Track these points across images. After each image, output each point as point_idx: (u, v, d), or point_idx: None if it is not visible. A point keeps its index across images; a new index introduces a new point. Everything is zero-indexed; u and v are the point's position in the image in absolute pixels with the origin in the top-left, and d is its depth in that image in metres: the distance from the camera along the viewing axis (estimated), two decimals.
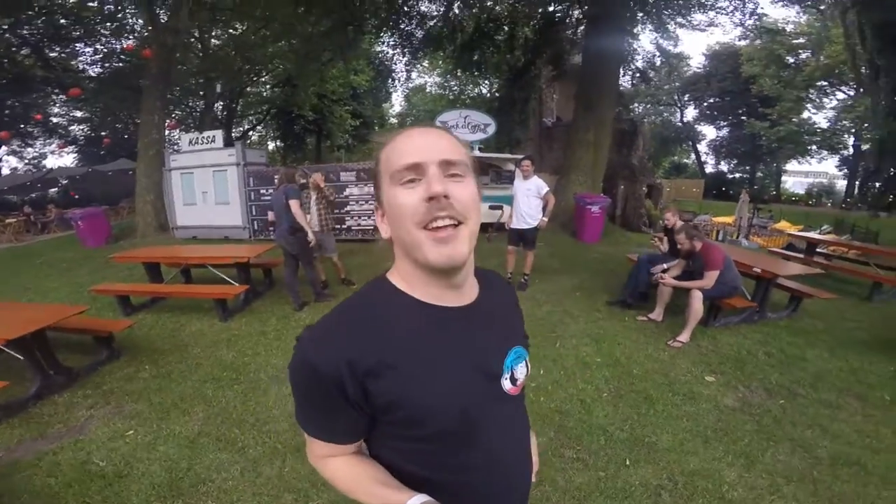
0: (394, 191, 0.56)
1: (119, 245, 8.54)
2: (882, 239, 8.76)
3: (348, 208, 7.77)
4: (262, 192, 8.13)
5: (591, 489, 1.98)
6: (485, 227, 6.00)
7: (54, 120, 20.15)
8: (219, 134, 8.63)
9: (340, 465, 0.64)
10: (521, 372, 0.71)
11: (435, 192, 0.52)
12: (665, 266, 4.08)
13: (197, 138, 8.62)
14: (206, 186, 8.48)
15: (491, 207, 7.23)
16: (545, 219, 4.77)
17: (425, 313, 0.61)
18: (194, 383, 3.04)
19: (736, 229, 9.57)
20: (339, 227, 7.78)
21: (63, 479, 2.03)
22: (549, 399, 2.80)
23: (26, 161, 22.63)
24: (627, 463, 2.14)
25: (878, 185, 18.62)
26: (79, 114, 20.14)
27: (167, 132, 11.90)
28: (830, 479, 2.06)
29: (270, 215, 4.40)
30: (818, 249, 5.80)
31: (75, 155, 22.82)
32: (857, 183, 22.75)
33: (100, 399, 2.75)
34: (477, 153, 8.53)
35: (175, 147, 10.79)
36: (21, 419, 2.54)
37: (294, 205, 4.14)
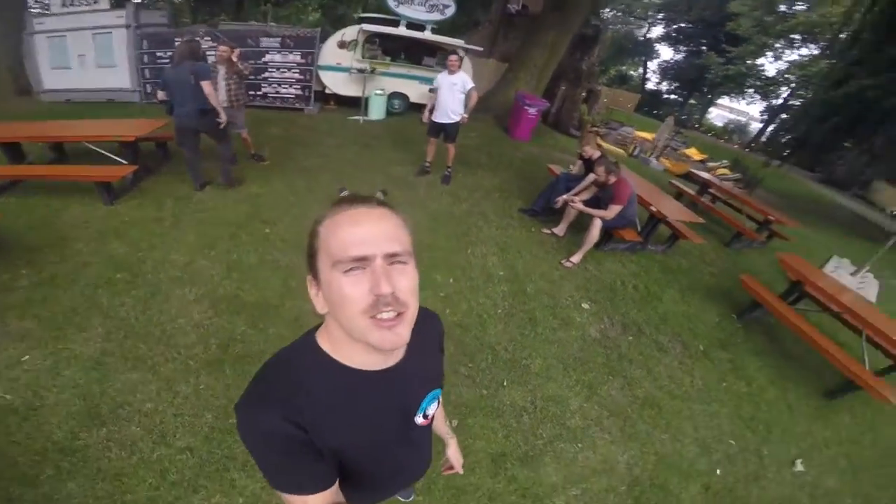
0: (336, 278, 0.58)
1: None
2: (764, 185, 10.01)
3: (266, 75, 7.46)
4: (158, 54, 7.54)
5: (473, 406, 2.52)
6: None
7: None
8: None
9: None
10: (432, 409, 0.87)
11: (383, 292, 0.56)
12: (577, 189, 4.45)
13: None
14: (83, 49, 7.55)
15: (431, 90, 6.89)
16: (465, 115, 4.90)
17: (348, 380, 0.68)
18: (84, 289, 2.90)
19: (651, 148, 10.21)
20: (253, 93, 7.25)
21: None
22: (454, 312, 3.21)
23: None
24: (505, 384, 2.71)
25: (786, 138, 20.67)
26: None
27: None
28: (636, 416, 2.75)
29: (160, 94, 3.82)
30: (710, 189, 6.58)
31: None
32: (768, 131, 25.24)
33: None
34: (429, 35, 7.73)
35: (42, 7, 8.59)
36: None
37: (207, 86, 3.74)
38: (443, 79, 4.82)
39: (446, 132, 5.03)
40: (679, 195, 6.22)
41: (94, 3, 7.51)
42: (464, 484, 2.13)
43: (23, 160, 4.25)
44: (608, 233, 4.22)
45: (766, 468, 2.67)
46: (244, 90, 4.86)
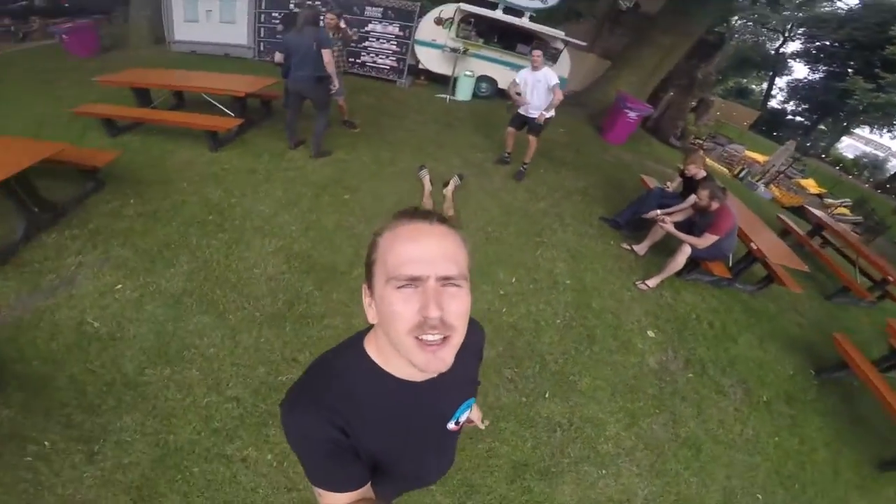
0: (389, 293, 0.59)
1: (109, 56, 7.78)
2: (890, 234, 8.40)
3: (366, 44, 7.66)
4: (274, 15, 7.89)
5: (510, 411, 2.46)
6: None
7: None
8: None
9: None
10: (464, 417, 0.90)
11: (431, 316, 0.56)
12: (673, 210, 4.06)
13: None
14: (210, 5, 8.12)
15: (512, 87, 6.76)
16: (545, 113, 4.63)
17: (391, 389, 0.71)
18: (179, 226, 3.23)
19: (761, 172, 8.95)
20: (353, 60, 7.53)
21: (63, 341, 2.33)
22: (510, 313, 3.12)
23: None
24: (547, 396, 2.59)
25: None
26: None
27: None
28: (671, 454, 2.52)
29: (278, 56, 4.05)
30: (824, 231, 5.54)
31: None
32: None
33: (87, 242, 2.93)
34: (526, 22, 7.39)
35: None
36: (13, 267, 2.70)
37: (328, 55, 3.92)
38: (527, 75, 4.68)
39: (531, 126, 4.84)
40: (785, 233, 5.43)
41: None
42: (479, 484, 2.12)
43: (149, 104, 4.80)
44: (694, 262, 3.79)
45: None
46: (346, 57, 5.04)
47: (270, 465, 1.98)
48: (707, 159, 8.49)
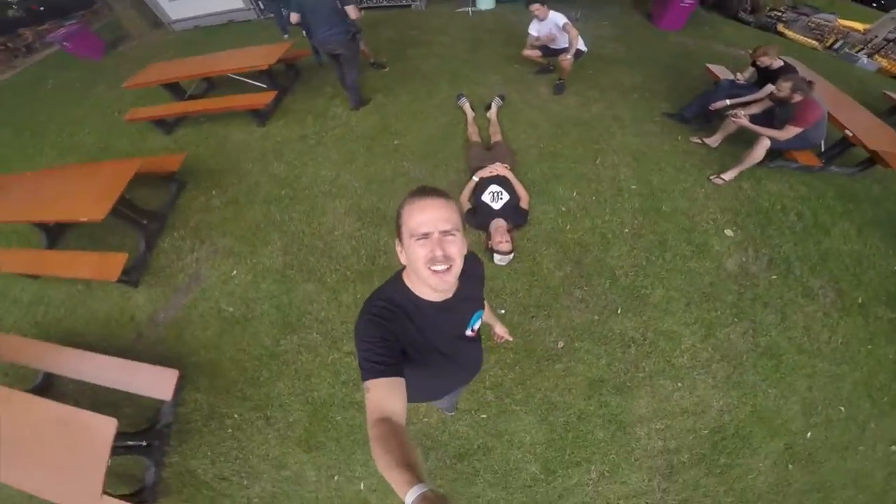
0: (412, 244, 1.00)
1: (119, 53, 7.80)
2: None
3: None
4: None
5: (583, 330, 2.74)
6: None
7: None
8: None
9: (376, 434, 0.87)
10: (477, 324, 1.31)
11: (436, 255, 0.98)
12: (745, 99, 3.71)
13: None
14: None
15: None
16: (569, 57, 4.34)
17: (422, 306, 1.12)
18: (261, 207, 3.65)
19: (863, 42, 7.29)
20: None
21: (213, 330, 2.91)
22: (574, 229, 3.26)
23: None
24: (619, 312, 2.81)
25: None
26: None
27: None
28: (749, 365, 2.62)
29: (294, 17, 3.99)
30: None
31: None
32: None
33: (195, 239, 3.45)
34: None
35: None
36: (152, 276, 3.26)
37: (353, 11, 3.86)
38: (537, 28, 4.53)
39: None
40: (894, 110, 4.69)
41: None
42: (558, 401, 2.49)
43: (184, 95, 5.07)
44: (777, 151, 3.54)
45: (862, 441, 2.47)
46: None
47: None
48: (787, 31, 7.24)
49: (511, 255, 2.94)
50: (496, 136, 3.93)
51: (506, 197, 3.12)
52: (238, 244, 3.38)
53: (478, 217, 3.14)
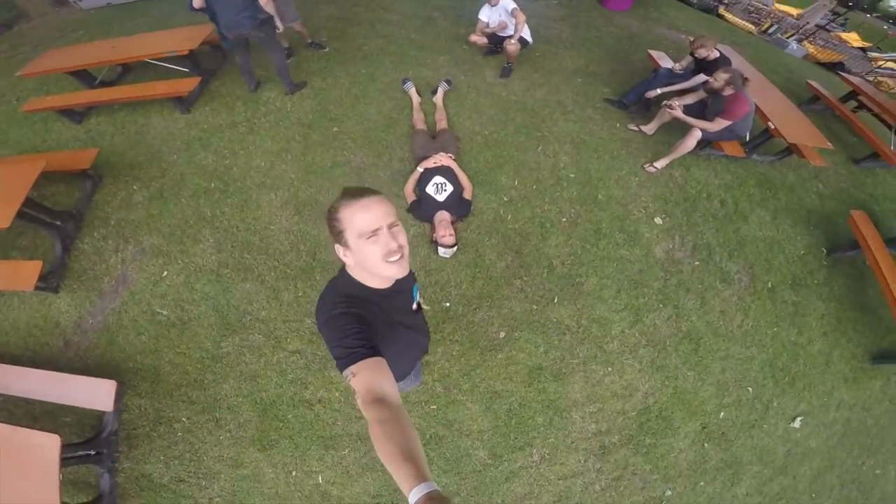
0: (363, 244, 1.08)
1: (14, 34, 6.87)
2: None
3: None
4: None
5: (522, 320, 2.98)
6: None
7: None
8: None
9: (376, 417, 0.88)
10: (418, 296, 1.50)
11: (393, 249, 1.09)
12: (679, 87, 4.04)
13: None
14: None
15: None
16: (514, 42, 4.48)
17: (376, 295, 1.21)
18: (188, 201, 3.55)
19: (795, 28, 8.02)
20: None
21: (148, 334, 2.88)
22: (515, 218, 3.47)
23: None
24: (556, 301, 3.07)
25: None
26: None
27: None
28: (672, 350, 2.99)
29: (197, 2, 3.72)
30: (859, 97, 5.13)
31: None
32: None
33: (117, 238, 3.31)
34: None
35: None
36: (74, 280, 3.10)
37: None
38: (488, 14, 4.63)
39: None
40: (815, 99, 5.24)
41: None
42: (501, 389, 2.74)
43: (94, 82, 4.65)
44: (706, 141, 3.89)
45: (766, 419, 2.94)
46: None
47: (339, 401, 2.67)
48: (727, 14, 7.72)
49: (455, 248, 3.11)
50: (442, 124, 4.02)
51: (450, 188, 3.26)
52: (166, 243, 3.30)
53: (422, 209, 3.26)
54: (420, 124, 4.01)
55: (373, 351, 1.02)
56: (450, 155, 3.53)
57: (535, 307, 3.06)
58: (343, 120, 4.21)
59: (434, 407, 2.70)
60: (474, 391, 2.74)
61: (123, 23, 6.25)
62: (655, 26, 6.61)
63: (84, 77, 4.62)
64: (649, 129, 4.19)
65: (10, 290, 2.98)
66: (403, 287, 1.34)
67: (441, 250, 3.10)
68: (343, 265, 1.24)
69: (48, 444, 2.08)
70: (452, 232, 3.07)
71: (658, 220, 3.57)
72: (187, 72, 4.53)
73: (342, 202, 1.09)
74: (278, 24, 3.98)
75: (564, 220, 3.50)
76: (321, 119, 4.22)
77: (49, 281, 3.04)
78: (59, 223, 3.26)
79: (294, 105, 4.39)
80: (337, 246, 1.14)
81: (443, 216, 3.15)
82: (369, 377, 0.96)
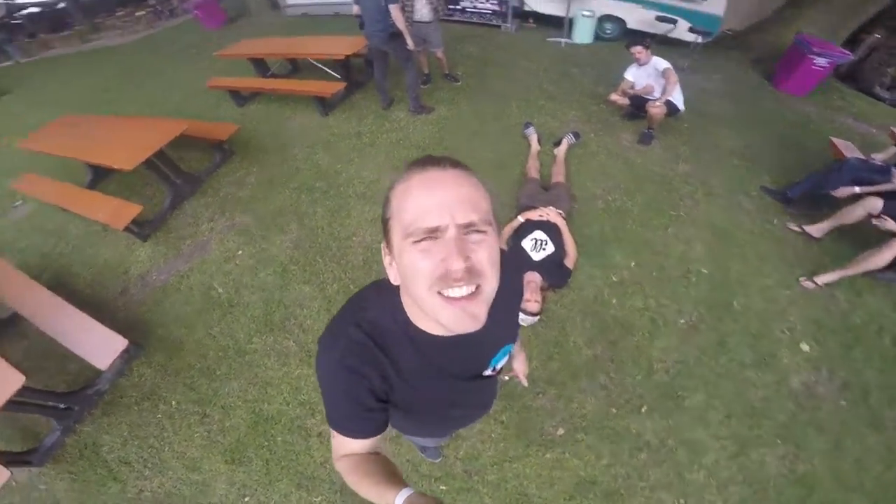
0: (407, 250, 0.59)
1: (234, 26, 9.20)
2: None
3: None
4: None
5: (592, 422, 2.36)
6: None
7: None
8: None
9: (352, 464, 0.77)
10: (501, 363, 0.95)
11: (455, 269, 0.56)
12: (882, 188, 3.15)
13: None
14: None
15: (659, 19, 6.13)
16: (659, 105, 4.05)
17: (423, 343, 0.74)
18: (292, 193, 3.70)
19: None
20: (452, 6, 7.45)
21: (195, 306, 2.93)
22: (621, 305, 2.88)
23: None
24: (643, 410, 2.40)
25: None
26: None
27: None
28: (774, 493, 2.18)
29: (355, 9, 4.15)
30: None
31: None
32: None
33: (217, 209, 3.55)
34: None
35: None
36: (164, 234, 3.41)
37: (395, 10, 3.91)
38: (635, 73, 4.33)
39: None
40: None
41: None
42: (534, 494, 2.16)
43: (267, 72, 5.47)
44: None
45: None
46: (444, 3, 4.92)
47: None
48: None
49: (537, 318, 2.64)
50: (558, 177, 3.63)
51: (550, 249, 2.82)
52: (255, 224, 3.42)
53: None
54: (533, 172, 3.69)
55: (370, 433, 0.78)
56: (559, 212, 3.08)
57: (613, 411, 2.42)
58: (456, 151, 4.11)
59: (444, 488, 2.19)
60: (500, 487, 2.17)
61: (311, 30, 7.37)
62: (838, 115, 5.58)
63: (260, 66, 5.45)
64: (817, 230, 3.31)
65: (111, 225, 3.20)
66: (479, 340, 0.76)
67: (520, 317, 2.66)
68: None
69: (9, 380, 2.03)
70: (539, 299, 2.61)
71: (804, 347, 2.72)
72: (338, 78, 4.98)
73: (404, 173, 0.64)
74: (409, 41, 4.14)
75: (683, 321, 2.82)
76: (436, 146, 4.21)
77: (144, 228, 3.32)
78: (178, 181, 3.60)
79: (416, 128, 4.49)
80: (383, 248, 0.70)
81: (533, 277, 2.71)
82: (351, 447, 0.78)
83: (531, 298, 2.60)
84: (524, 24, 7.64)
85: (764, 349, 2.71)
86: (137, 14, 12.74)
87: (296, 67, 5.73)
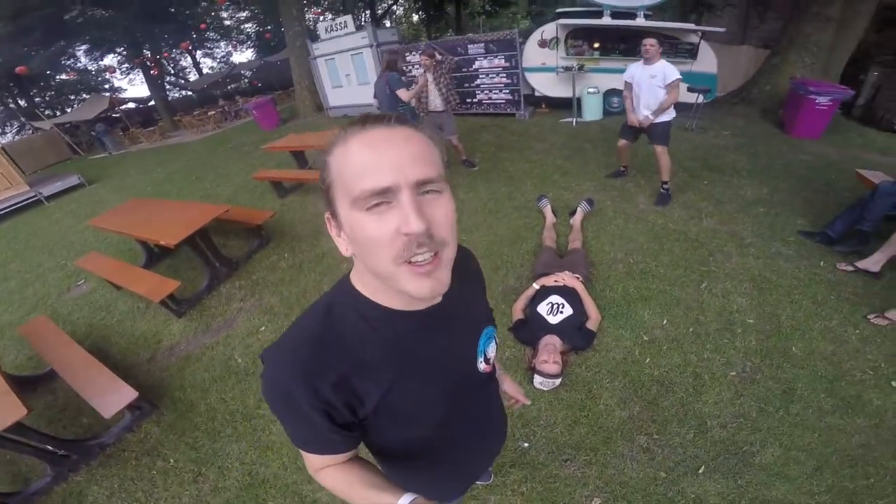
0: (357, 217, 0.52)
1: (285, 127, 10.54)
2: None
3: (478, 82, 7.97)
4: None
5: (634, 489, 1.94)
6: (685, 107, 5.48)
7: (227, 23, 24.84)
8: (349, 19, 9.25)
9: (334, 472, 0.71)
10: (492, 350, 0.84)
11: (414, 230, 0.49)
12: None
13: (331, 25, 9.50)
14: (347, 69, 9.49)
15: (691, 90, 6.19)
16: (651, 117, 3.97)
17: (393, 324, 0.64)
18: (317, 276, 3.80)
19: None
20: (469, 101, 8.10)
21: (213, 374, 2.94)
22: (657, 363, 2.55)
23: (217, 59, 28.22)
24: (701, 471, 1.96)
25: None
26: (243, 14, 24.45)
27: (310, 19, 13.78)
28: None
29: (374, 101, 4.74)
30: None
31: (252, 50, 28.17)
32: None
33: (249, 291, 3.72)
34: (642, 22, 6.57)
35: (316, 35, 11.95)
36: (198, 311, 3.59)
37: (403, 94, 4.40)
38: (636, 70, 4.00)
39: (650, 134, 4.09)
40: None
41: (344, 27, 9.12)
42: None
43: (306, 165, 6.05)
44: None
45: None
46: (455, 92, 5.11)
47: None
48: None
49: (557, 381, 2.39)
50: (575, 244, 3.52)
51: (567, 311, 2.65)
52: (281, 305, 3.50)
53: (526, 330, 2.69)
54: (549, 242, 3.61)
55: (351, 446, 0.72)
56: (577, 276, 2.95)
57: (662, 475, 1.97)
58: (472, 231, 4.18)
59: None
60: None
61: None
62: (860, 152, 5.36)
63: (300, 159, 6.04)
64: (873, 264, 2.92)
65: (149, 298, 3.31)
66: (455, 314, 0.72)
67: (538, 379, 2.40)
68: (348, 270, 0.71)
69: (9, 410, 2.01)
70: (559, 360, 2.39)
71: None
72: None
73: (342, 133, 0.56)
74: (420, 114, 4.58)
75: (733, 373, 2.44)
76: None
77: (181, 305, 3.51)
78: (217, 265, 3.84)
79: None
80: (327, 218, 0.61)
81: (551, 340, 2.52)
82: (325, 462, 0.72)
83: (548, 359, 2.39)
84: (537, 109, 8.13)
85: (845, 392, 2.27)
86: (210, 114, 14.92)
87: None
